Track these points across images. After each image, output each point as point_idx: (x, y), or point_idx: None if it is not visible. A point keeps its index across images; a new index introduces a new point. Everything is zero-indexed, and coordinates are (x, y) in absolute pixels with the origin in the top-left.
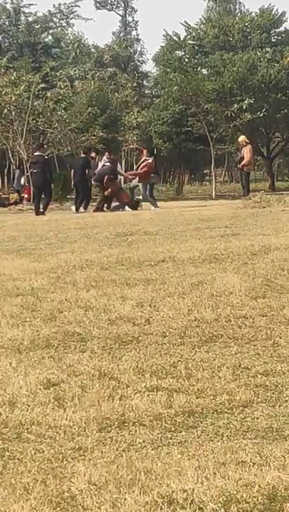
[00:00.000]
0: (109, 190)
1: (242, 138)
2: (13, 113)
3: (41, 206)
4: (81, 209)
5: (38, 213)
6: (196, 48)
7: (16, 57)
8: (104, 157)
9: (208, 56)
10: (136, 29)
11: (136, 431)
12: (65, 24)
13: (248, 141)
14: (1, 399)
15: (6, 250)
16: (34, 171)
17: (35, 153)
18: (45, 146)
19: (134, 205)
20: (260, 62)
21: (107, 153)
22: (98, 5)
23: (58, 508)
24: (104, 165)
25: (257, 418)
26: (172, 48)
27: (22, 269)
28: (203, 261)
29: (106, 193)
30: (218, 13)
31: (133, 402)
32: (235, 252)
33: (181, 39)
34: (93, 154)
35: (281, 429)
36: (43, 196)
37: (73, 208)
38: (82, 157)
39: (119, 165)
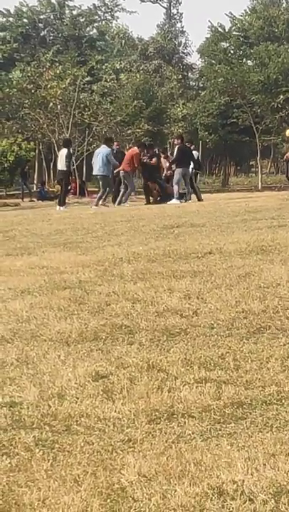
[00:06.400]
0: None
1: None
2: (59, 106)
3: None
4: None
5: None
6: (241, 39)
7: (61, 51)
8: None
9: (253, 47)
10: (180, 21)
11: (185, 422)
12: (109, 17)
13: None
14: (50, 391)
15: (53, 244)
16: None
17: None
18: (91, 139)
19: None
20: None
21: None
22: None
23: (109, 500)
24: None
25: None
26: (217, 39)
27: (69, 262)
28: (250, 252)
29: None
30: (264, 3)
31: (182, 394)
32: (282, 243)
33: (226, 30)
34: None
35: None
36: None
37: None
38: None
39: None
